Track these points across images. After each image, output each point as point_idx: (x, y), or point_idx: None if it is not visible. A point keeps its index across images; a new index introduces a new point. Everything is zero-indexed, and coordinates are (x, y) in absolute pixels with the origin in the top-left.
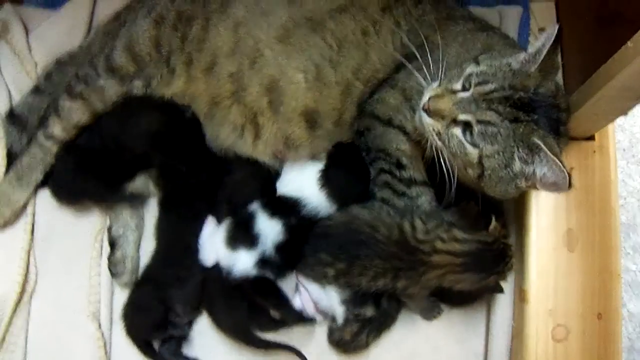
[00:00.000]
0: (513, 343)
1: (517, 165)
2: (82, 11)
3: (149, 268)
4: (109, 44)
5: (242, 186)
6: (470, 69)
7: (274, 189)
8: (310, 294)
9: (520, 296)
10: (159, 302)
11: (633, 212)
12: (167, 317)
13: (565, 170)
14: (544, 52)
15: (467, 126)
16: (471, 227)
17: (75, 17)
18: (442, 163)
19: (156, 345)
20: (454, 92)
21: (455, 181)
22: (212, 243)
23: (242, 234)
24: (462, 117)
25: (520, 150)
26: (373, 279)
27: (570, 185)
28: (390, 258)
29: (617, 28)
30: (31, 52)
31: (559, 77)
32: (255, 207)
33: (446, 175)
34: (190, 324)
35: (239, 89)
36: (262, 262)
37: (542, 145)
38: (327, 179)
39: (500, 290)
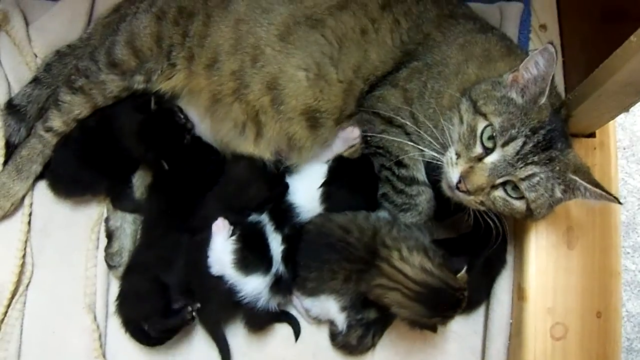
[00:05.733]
0: (511, 341)
1: (558, 194)
2: (82, 3)
3: (135, 256)
4: (110, 37)
5: (246, 187)
6: (480, 125)
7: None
8: (302, 303)
9: (519, 294)
10: (151, 286)
11: (633, 211)
12: (161, 302)
13: (611, 196)
14: (549, 80)
15: (507, 184)
16: (444, 266)
17: (75, 8)
18: (485, 216)
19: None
20: (480, 159)
21: (501, 224)
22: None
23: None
24: (501, 180)
25: (560, 184)
26: (344, 282)
27: (620, 203)
28: (357, 262)
29: (621, 25)
30: (31, 43)
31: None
32: (263, 218)
33: (491, 223)
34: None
35: (240, 87)
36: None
37: (580, 181)
38: (329, 197)
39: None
